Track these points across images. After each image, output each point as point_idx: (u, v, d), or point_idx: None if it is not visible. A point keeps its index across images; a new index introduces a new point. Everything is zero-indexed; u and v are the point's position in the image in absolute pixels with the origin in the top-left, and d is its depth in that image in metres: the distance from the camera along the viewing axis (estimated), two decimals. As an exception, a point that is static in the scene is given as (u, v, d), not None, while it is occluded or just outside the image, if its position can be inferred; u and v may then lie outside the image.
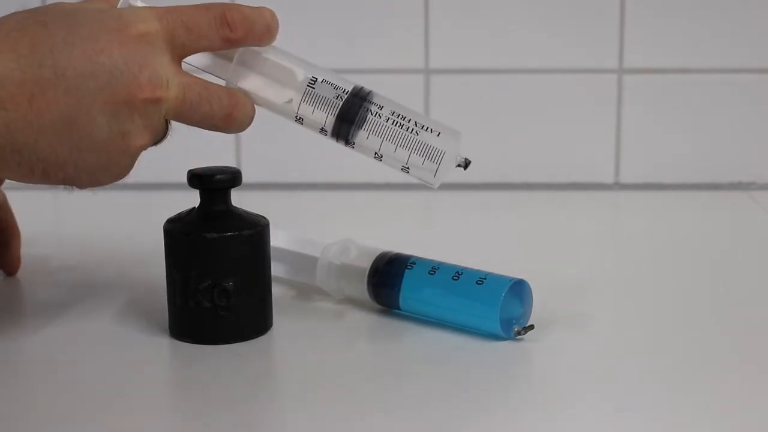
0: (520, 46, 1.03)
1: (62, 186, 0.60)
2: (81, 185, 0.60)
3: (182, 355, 0.64)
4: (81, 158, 0.58)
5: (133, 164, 0.60)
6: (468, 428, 0.54)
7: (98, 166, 0.59)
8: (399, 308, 0.68)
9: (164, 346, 0.65)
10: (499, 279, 0.65)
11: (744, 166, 1.04)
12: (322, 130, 0.62)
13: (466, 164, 0.63)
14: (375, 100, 0.62)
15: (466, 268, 0.66)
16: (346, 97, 0.62)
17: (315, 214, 0.97)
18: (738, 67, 1.02)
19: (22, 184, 0.59)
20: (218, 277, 0.63)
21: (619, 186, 1.05)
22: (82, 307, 0.71)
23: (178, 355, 0.64)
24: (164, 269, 0.65)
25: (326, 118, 0.62)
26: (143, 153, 0.60)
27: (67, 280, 0.77)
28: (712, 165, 1.04)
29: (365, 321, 0.69)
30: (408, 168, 0.62)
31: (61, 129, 0.56)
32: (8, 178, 0.59)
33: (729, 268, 0.81)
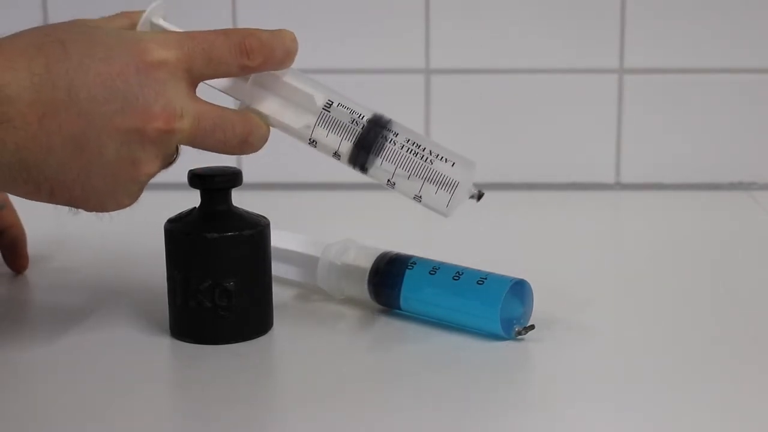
0: (520, 46, 1.03)
1: (68, 208, 0.60)
2: (87, 208, 0.60)
3: (183, 355, 0.64)
4: (88, 181, 0.57)
5: (141, 193, 0.60)
6: (468, 428, 0.54)
7: (105, 191, 0.58)
8: (400, 308, 0.68)
9: (165, 346, 0.65)
10: (499, 279, 0.65)
11: (745, 166, 1.04)
12: (336, 155, 0.62)
13: (479, 196, 0.62)
14: (392, 127, 0.62)
15: (466, 268, 0.66)
16: (364, 123, 0.61)
17: (315, 214, 0.97)
18: (738, 67, 1.02)
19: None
20: (219, 277, 0.63)
21: (619, 186, 1.05)
22: (82, 307, 0.71)
23: (178, 355, 0.64)
24: (165, 269, 0.65)
25: (340, 142, 0.62)
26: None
27: (68, 280, 0.77)
28: (712, 165, 1.04)
29: (366, 321, 0.69)
30: (420, 197, 0.62)
31: (71, 150, 0.56)
32: (14, 195, 0.59)
33: (730, 268, 0.81)
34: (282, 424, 0.57)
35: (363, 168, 0.62)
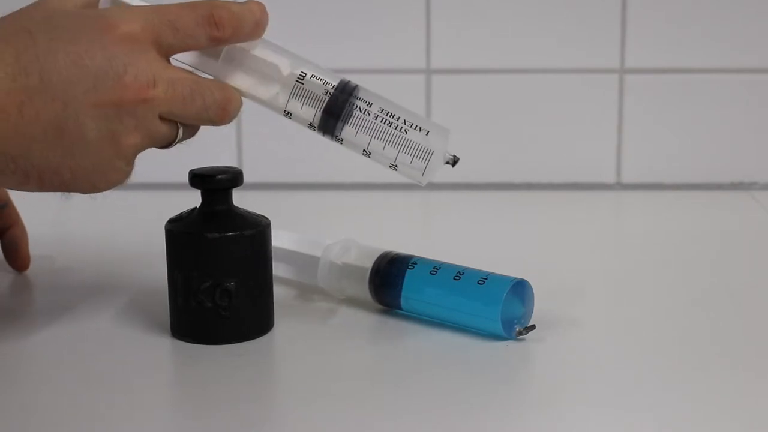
0: (521, 46, 1.03)
1: (60, 193, 0.60)
2: (78, 190, 0.60)
3: (183, 355, 0.64)
4: (75, 163, 0.57)
5: (130, 168, 0.60)
6: (469, 428, 0.54)
7: (93, 170, 0.58)
8: (400, 308, 0.68)
9: (165, 345, 0.65)
10: (500, 279, 0.65)
11: (745, 166, 1.04)
12: (311, 126, 0.62)
13: (454, 161, 0.63)
14: (362, 95, 0.62)
15: (467, 268, 0.66)
16: (332, 92, 0.62)
17: (316, 214, 0.97)
18: (738, 67, 1.02)
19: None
20: (220, 277, 0.63)
21: (620, 186, 1.05)
22: (83, 307, 0.71)
23: (179, 354, 0.64)
24: (166, 269, 0.65)
25: (315, 113, 0.62)
26: (145, 154, 0.60)
27: (69, 280, 0.77)
28: (713, 165, 1.04)
29: (366, 321, 0.69)
30: (396, 166, 0.63)
31: (52, 135, 0.56)
32: (6, 187, 0.59)
33: (731, 268, 0.81)
34: (282, 424, 0.57)
35: (335, 137, 0.62)
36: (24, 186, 0.58)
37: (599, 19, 1.02)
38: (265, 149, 1.04)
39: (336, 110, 0.62)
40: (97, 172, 0.58)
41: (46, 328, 0.68)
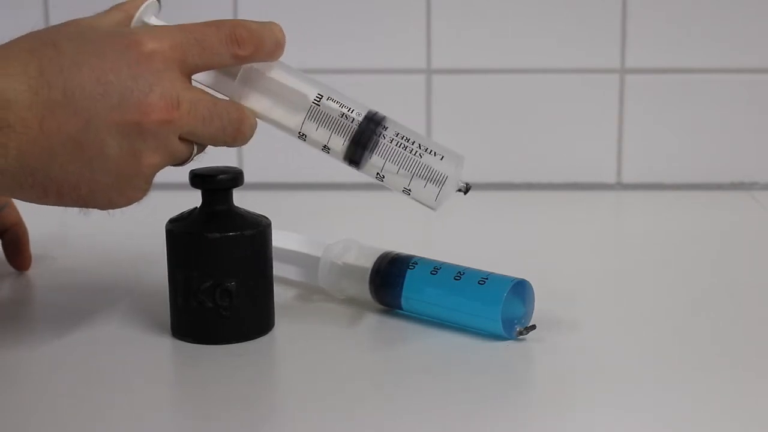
0: (522, 46, 1.03)
1: (77, 208, 0.60)
2: (96, 206, 0.59)
3: (184, 355, 0.64)
4: (93, 179, 0.57)
5: (149, 186, 0.60)
6: (470, 428, 0.54)
7: (112, 187, 0.58)
8: (401, 308, 0.68)
9: (166, 345, 0.65)
10: (500, 279, 0.65)
11: (746, 166, 1.04)
12: (325, 148, 0.62)
13: (466, 189, 0.63)
14: (386, 123, 0.62)
15: (467, 268, 0.66)
16: (356, 118, 0.61)
17: (316, 214, 0.97)
18: (738, 67, 1.02)
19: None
20: (220, 277, 0.63)
21: (620, 186, 1.05)
22: (84, 307, 0.71)
23: (179, 354, 0.64)
24: (166, 269, 0.65)
25: (330, 136, 0.62)
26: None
27: (70, 279, 0.77)
28: (714, 165, 1.04)
29: (367, 321, 0.69)
30: (410, 190, 0.62)
31: (72, 150, 0.56)
32: (23, 200, 0.58)
33: (731, 268, 0.81)
34: (282, 424, 0.57)
35: (356, 164, 0.62)
36: (43, 200, 0.58)
37: (599, 19, 1.02)
38: (266, 149, 1.03)
39: (362, 139, 0.61)
40: (116, 188, 0.58)
41: (46, 327, 0.68)
